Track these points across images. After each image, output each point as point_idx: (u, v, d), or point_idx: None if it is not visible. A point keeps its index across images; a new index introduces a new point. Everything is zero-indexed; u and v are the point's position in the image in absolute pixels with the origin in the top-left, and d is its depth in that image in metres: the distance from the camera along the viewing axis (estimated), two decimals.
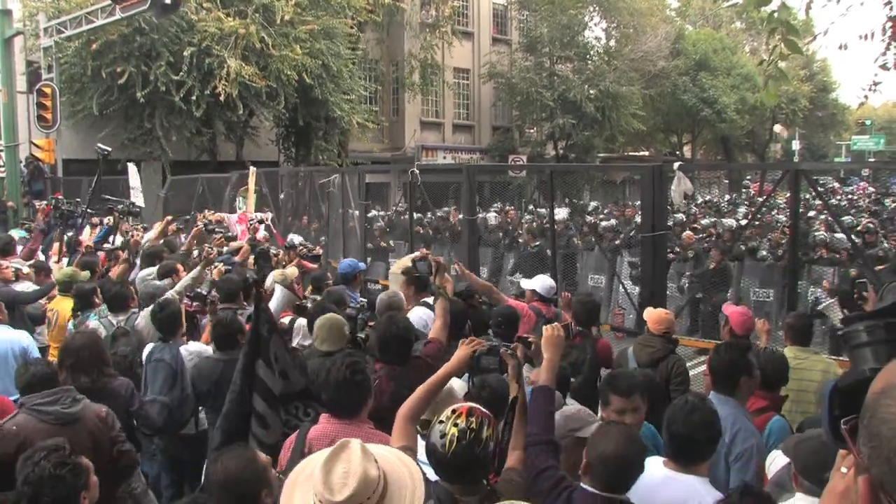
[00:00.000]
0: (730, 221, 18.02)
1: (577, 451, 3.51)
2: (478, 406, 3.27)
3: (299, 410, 4.59)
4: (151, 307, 6.61)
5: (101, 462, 4.25)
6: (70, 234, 11.80)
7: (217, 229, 11.72)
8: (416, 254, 4.54)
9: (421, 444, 3.58)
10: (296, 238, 11.78)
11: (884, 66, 8.38)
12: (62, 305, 7.97)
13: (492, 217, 18.30)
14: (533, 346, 4.03)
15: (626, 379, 4.34)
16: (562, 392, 4.99)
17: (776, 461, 3.85)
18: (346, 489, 2.37)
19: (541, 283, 7.22)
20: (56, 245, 11.45)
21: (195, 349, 6.32)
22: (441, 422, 3.15)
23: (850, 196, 29.29)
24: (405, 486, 2.54)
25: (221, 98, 21.34)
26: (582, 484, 3.28)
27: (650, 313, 6.22)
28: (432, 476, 3.29)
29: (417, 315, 6.42)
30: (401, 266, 8.58)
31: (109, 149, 12.09)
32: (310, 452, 3.97)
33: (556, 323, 4.05)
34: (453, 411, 3.18)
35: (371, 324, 5.96)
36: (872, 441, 1.05)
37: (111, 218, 12.05)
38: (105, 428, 4.66)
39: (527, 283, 7.45)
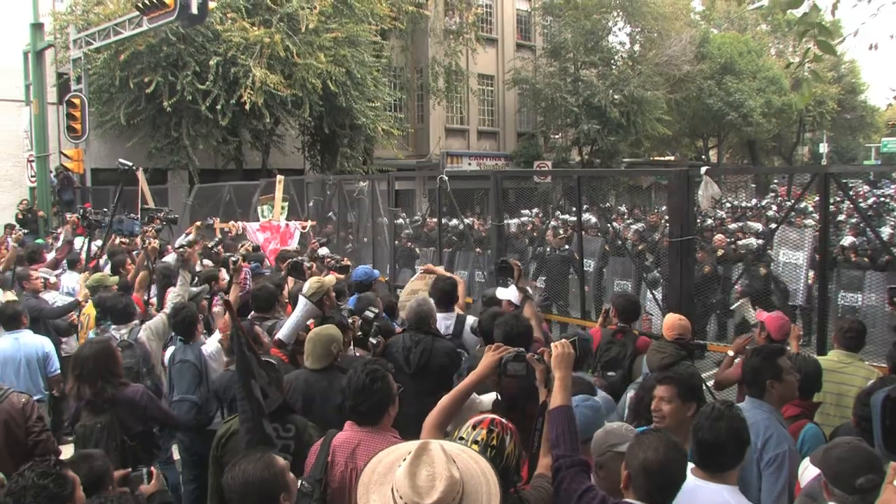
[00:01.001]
0: (756, 225, 17.87)
1: (617, 466, 3.45)
2: (499, 418, 3.26)
3: (279, 430, 4.54)
4: (167, 312, 6.98)
5: (17, 449, 4.86)
6: (98, 242, 11.95)
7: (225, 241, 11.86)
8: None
9: None
10: (323, 249, 11.86)
11: None
12: (92, 311, 8.08)
13: (513, 224, 18.24)
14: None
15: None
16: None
17: (807, 471, 3.80)
18: (435, 492, 2.39)
19: (515, 293, 7.04)
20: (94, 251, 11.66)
21: (212, 349, 6.58)
22: (461, 438, 3.14)
23: (882, 199, 28.90)
24: (480, 483, 2.55)
25: (247, 107, 21.46)
26: (626, 499, 3.22)
27: (665, 319, 6.22)
28: None
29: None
30: (415, 286, 8.66)
31: (130, 163, 12.23)
32: (333, 459, 3.99)
33: (563, 340, 3.92)
34: (474, 426, 3.18)
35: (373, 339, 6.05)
36: None
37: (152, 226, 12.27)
38: (21, 418, 4.97)
39: (503, 293, 7.24)
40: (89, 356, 5.23)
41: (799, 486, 3.91)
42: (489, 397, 4.17)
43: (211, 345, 6.66)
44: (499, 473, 3.00)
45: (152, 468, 4.33)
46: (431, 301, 6.48)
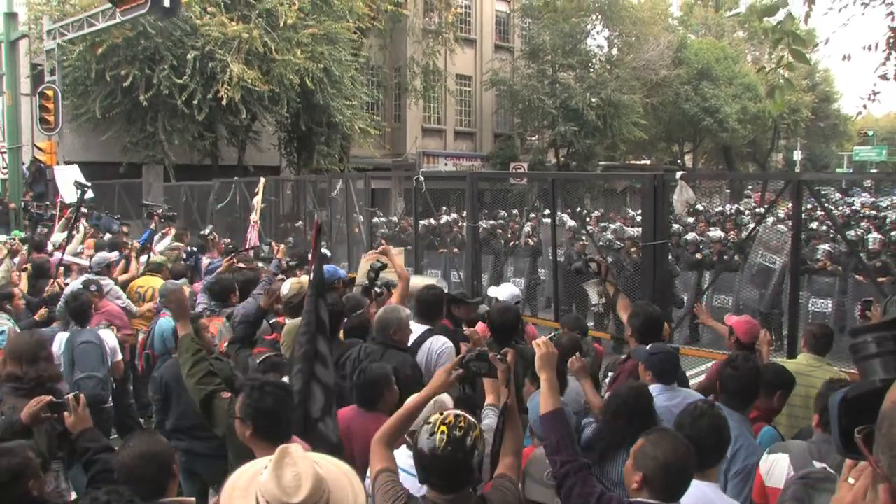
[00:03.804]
0: (717, 233, 17.94)
1: None
2: (463, 413, 3.24)
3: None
4: (65, 298, 7.64)
5: None
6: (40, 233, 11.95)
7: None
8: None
9: (406, 456, 3.61)
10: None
11: (883, 77, 8.40)
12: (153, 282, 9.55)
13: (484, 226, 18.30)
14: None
15: None
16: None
17: (776, 466, 3.84)
18: (303, 490, 2.37)
19: (507, 291, 7.05)
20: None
21: (113, 344, 7.36)
22: (429, 423, 3.13)
23: (852, 206, 29.26)
24: (345, 485, 2.54)
25: (224, 102, 21.37)
26: (639, 499, 3.21)
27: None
28: (414, 489, 3.30)
29: (436, 346, 5.92)
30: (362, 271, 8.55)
31: (89, 184, 12.33)
32: None
33: (543, 338, 3.89)
34: (441, 415, 3.17)
35: None
36: (893, 450, 1.05)
37: (153, 222, 12.31)
38: None
39: (493, 291, 7.33)
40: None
41: (761, 482, 3.95)
42: (448, 396, 4.14)
43: (109, 338, 7.36)
44: (469, 463, 3.07)
45: (80, 395, 4.17)
46: (402, 309, 6.04)
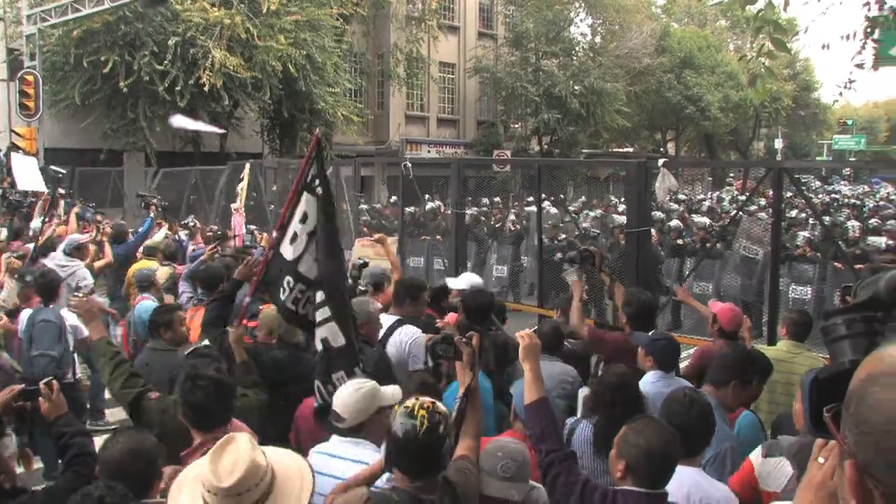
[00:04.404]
0: (703, 219, 18.05)
1: None
2: (434, 401, 3.22)
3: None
4: (35, 275, 7.74)
5: None
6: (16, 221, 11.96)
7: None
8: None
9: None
10: None
11: (859, 66, 8.46)
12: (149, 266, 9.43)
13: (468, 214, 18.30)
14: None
15: None
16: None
17: (780, 469, 3.85)
18: (234, 475, 2.42)
19: (467, 280, 6.99)
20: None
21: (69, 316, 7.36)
22: (406, 407, 3.10)
23: (832, 195, 29.50)
24: (294, 477, 2.59)
25: (206, 88, 21.25)
26: (624, 486, 3.22)
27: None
28: (383, 483, 3.33)
29: (405, 336, 5.82)
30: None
31: (63, 171, 12.40)
32: None
33: (527, 330, 3.89)
34: (416, 399, 3.16)
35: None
36: (860, 427, 1.08)
37: (152, 211, 12.37)
38: None
39: (452, 282, 7.13)
40: None
41: (754, 482, 3.96)
42: (393, 389, 4.00)
43: (70, 316, 7.35)
44: (444, 448, 3.10)
45: (52, 381, 4.09)
46: (371, 302, 5.92)
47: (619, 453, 3.25)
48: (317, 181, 4.94)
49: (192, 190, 19.37)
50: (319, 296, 4.84)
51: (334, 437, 3.80)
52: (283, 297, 5.03)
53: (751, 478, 3.97)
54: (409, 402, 3.14)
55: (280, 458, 2.65)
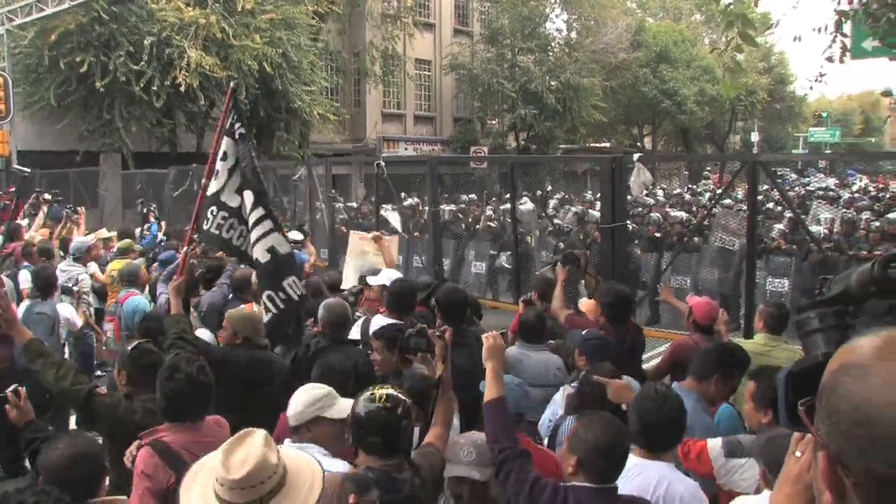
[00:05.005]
0: (680, 213, 18.10)
1: None
2: (396, 388, 3.44)
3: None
4: (35, 270, 8.28)
5: None
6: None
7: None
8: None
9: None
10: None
11: (829, 59, 8.52)
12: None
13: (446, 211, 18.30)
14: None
15: None
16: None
17: (746, 469, 3.85)
18: (245, 468, 2.45)
19: (387, 277, 6.98)
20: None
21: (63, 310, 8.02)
22: (371, 393, 3.30)
23: (808, 188, 29.67)
24: (305, 473, 2.62)
25: (182, 89, 21.13)
26: (575, 482, 3.24)
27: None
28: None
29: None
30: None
31: (28, 170, 12.61)
32: None
33: (493, 332, 3.93)
34: (378, 388, 3.36)
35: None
36: (831, 417, 1.10)
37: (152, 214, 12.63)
38: None
39: (373, 279, 7.00)
40: None
41: (706, 467, 3.98)
42: (347, 403, 3.83)
43: (64, 310, 8.05)
44: (409, 428, 3.31)
45: (20, 388, 4.12)
46: (345, 304, 5.98)
47: (570, 448, 3.29)
48: (236, 125, 5.89)
49: (171, 190, 19.27)
50: (258, 211, 5.71)
51: (286, 440, 3.83)
52: (206, 225, 5.84)
53: (708, 472, 3.97)
54: (373, 389, 3.35)
55: (295, 457, 2.69)
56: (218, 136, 5.89)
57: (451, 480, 3.55)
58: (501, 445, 3.47)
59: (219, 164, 5.83)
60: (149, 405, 4.36)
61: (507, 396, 3.95)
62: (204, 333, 6.43)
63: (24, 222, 12.69)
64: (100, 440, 3.72)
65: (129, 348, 4.98)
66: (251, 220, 5.70)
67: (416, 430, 3.88)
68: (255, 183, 5.86)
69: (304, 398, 3.79)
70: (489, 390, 3.69)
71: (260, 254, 5.67)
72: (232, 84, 6.32)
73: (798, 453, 1.49)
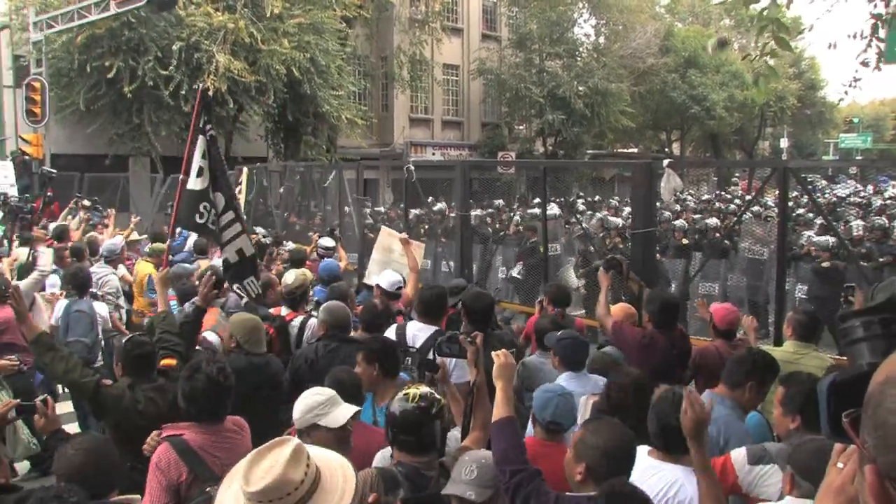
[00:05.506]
0: (713, 220, 17.93)
1: None
2: (431, 389, 3.59)
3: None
4: (72, 271, 8.56)
5: None
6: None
7: None
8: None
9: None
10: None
11: (864, 63, 8.40)
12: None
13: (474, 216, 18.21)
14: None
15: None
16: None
17: (771, 475, 3.79)
18: (262, 482, 2.38)
19: (387, 278, 7.10)
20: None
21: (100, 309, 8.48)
22: (405, 393, 3.49)
23: (838, 195, 29.37)
24: (337, 476, 2.56)
25: (210, 93, 21.24)
26: (587, 493, 3.19)
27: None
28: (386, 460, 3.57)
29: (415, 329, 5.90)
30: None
31: (55, 171, 13.00)
32: None
33: (504, 350, 3.86)
34: (415, 387, 3.54)
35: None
36: (878, 430, 1.07)
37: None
38: None
39: (375, 279, 7.36)
40: None
41: (730, 480, 3.90)
42: (344, 410, 3.83)
43: (101, 309, 8.51)
44: (438, 426, 3.46)
45: (48, 398, 4.19)
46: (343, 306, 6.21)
47: (577, 456, 3.27)
48: (207, 126, 6.41)
49: None
50: (229, 215, 6.41)
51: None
52: (200, 220, 6.30)
53: (734, 484, 3.88)
54: (407, 389, 3.52)
55: (324, 456, 2.62)
56: (192, 134, 6.43)
57: (450, 497, 3.46)
58: (513, 467, 3.36)
59: (201, 162, 6.33)
60: (150, 394, 4.53)
61: (548, 405, 4.08)
62: (211, 336, 6.55)
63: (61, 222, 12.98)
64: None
65: (124, 340, 5.09)
66: (222, 222, 6.44)
67: (457, 433, 4.06)
68: (225, 186, 6.56)
69: (303, 405, 3.77)
70: (498, 409, 3.61)
71: (230, 254, 6.47)
72: (201, 85, 7.02)
73: (840, 464, 1.46)
